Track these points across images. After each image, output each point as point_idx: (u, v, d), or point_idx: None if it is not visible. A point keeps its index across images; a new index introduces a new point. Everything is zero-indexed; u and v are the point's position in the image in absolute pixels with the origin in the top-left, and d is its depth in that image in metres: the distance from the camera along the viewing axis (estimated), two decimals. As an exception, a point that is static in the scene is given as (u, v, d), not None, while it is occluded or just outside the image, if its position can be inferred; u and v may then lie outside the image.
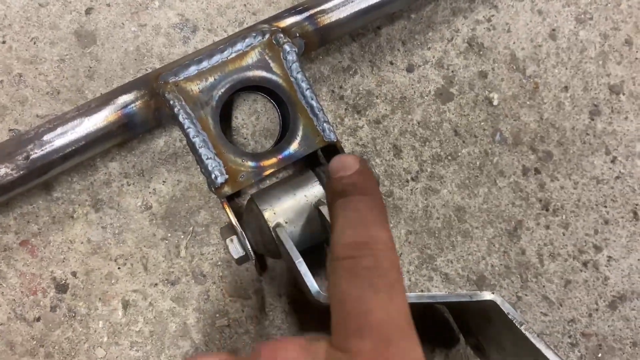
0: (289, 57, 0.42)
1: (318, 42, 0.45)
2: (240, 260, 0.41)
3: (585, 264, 0.50)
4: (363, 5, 0.45)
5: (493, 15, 0.52)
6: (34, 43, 0.46)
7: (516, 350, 0.38)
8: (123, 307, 0.45)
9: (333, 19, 0.44)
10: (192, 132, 0.40)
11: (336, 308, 0.28)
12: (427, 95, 0.50)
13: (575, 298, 0.49)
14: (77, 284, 0.44)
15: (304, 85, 0.42)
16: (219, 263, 0.46)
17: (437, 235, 0.49)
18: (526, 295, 0.49)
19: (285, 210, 0.40)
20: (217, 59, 0.42)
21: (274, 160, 0.41)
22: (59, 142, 0.39)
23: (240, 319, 0.45)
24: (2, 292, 0.44)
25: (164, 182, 0.46)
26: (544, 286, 0.49)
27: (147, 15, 0.48)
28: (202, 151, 0.40)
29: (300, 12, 0.44)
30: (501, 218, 0.49)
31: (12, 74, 0.46)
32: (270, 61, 0.42)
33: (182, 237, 0.46)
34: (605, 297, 0.50)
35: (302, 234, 0.41)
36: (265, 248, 0.41)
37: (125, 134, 0.41)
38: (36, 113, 0.45)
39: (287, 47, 0.42)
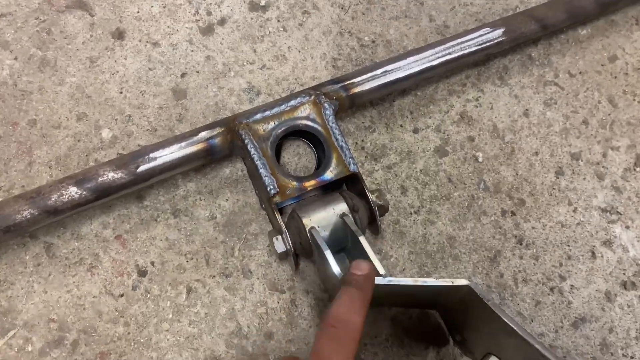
0: (327, 112, 0.59)
1: (348, 104, 0.62)
2: (282, 255, 0.55)
3: (552, 289, 0.62)
4: (382, 81, 0.62)
5: (480, 96, 0.69)
6: (142, 94, 0.64)
7: (490, 328, 0.49)
8: (187, 292, 0.58)
9: (359, 89, 0.61)
10: (256, 157, 0.55)
11: (312, 355, 0.42)
12: (427, 151, 0.66)
13: (544, 316, 0.61)
14: (154, 271, 0.58)
15: (336, 131, 0.58)
16: (263, 264, 0.59)
17: (433, 256, 0.62)
18: (504, 310, 0.61)
19: (318, 219, 0.54)
20: (276, 110, 0.58)
21: (312, 182, 0.56)
22: (161, 159, 0.55)
23: (275, 309, 0.58)
24: (98, 273, 0.57)
25: (226, 199, 0.61)
26: (518, 304, 0.61)
27: (224, 81, 0.65)
28: (262, 171, 0.55)
29: (336, 82, 0.61)
30: (484, 247, 0.63)
31: (124, 114, 0.63)
32: (314, 114, 0.59)
33: (237, 241, 0.59)
34: (569, 318, 0.61)
35: (329, 237, 0.54)
36: (301, 247, 0.55)
37: (207, 157, 0.57)
38: (138, 143, 0.62)
39: (326, 105, 0.59)
